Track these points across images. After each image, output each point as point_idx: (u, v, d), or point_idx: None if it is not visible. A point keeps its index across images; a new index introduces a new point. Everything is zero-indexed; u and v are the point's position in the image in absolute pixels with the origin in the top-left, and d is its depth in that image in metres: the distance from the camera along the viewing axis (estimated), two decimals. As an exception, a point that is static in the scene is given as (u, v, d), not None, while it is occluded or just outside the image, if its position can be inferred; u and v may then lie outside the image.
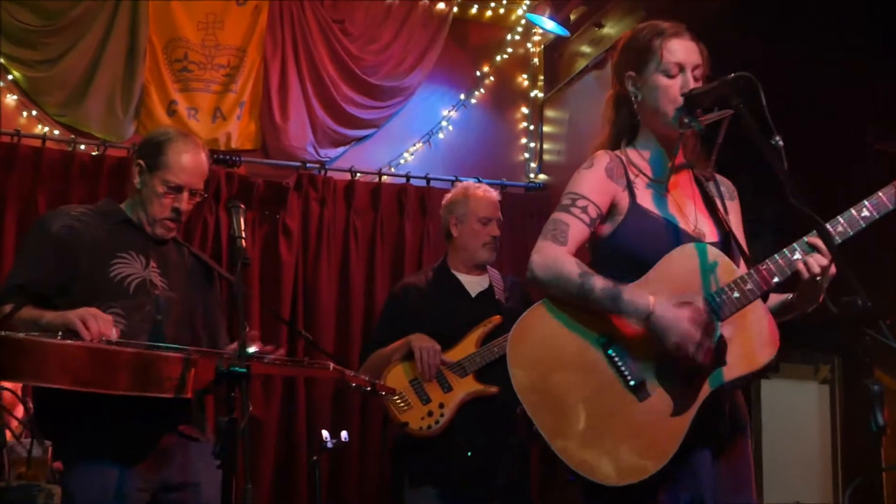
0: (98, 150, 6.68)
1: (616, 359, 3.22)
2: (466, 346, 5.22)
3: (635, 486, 3.14)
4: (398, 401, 5.15)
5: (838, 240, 3.15)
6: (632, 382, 3.20)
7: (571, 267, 3.26)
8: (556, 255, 3.30)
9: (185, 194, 4.10)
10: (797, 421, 7.63)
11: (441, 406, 5.16)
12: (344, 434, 5.37)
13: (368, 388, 4.27)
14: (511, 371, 3.29)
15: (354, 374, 4.24)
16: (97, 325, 3.67)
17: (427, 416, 5.15)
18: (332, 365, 4.04)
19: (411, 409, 5.14)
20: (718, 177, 3.62)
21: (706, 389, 3.16)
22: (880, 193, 3.23)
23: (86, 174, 6.61)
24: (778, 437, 7.48)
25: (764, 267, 3.20)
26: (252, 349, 3.83)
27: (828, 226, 3.14)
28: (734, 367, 3.18)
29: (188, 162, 4.10)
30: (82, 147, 6.69)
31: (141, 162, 4.14)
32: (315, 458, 5.38)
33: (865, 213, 3.20)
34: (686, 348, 3.10)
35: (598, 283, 3.22)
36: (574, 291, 3.24)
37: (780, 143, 2.95)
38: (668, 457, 3.12)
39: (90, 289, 3.95)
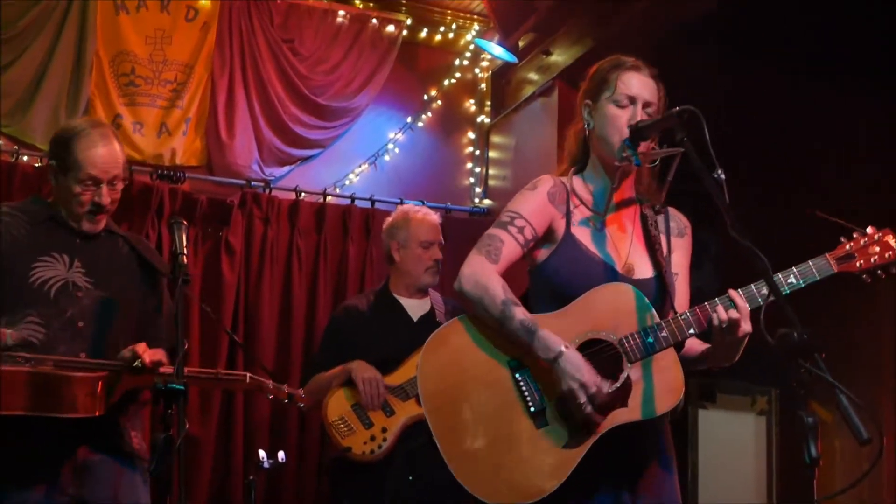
0: (41, 162, 6.61)
1: (522, 383, 3.28)
2: (408, 370, 5.20)
3: None
4: (340, 425, 5.13)
5: (760, 302, 3.20)
6: (532, 409, 3.26)
7: (497, 290, 3.31)
8: (486, 274, 3.36)
9: (105, 188, 3.98)
10: (734, 451, 7.68)
11: (384, 430, 5.14)
12: (281, 454, 5.33)
13: (286, 401, 4.30)
14: (419, 378, 3.37)
15: (275, 386, 4.22)
16: None
17: (370, 440, 5.13)
18: (248, 376, 4.04)
19: (354, 433, 5.12)
20: (672, 211, 3.65)
21: (602, 427, 3.20)
22: (810, 263, 3.29)
23: (28, 185, 6.53)
24: (715, 468, 7.52)
25: (682, 317, 3.26)
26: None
27: (752, 287, 3.23)
28: (634, 411, 3.22)
29: (98, 156, 3.96)
30: (25, 158, 6.62)
31: (53, 164, 4.04)
32: (251, 477, 5.34)
33: (792, 279, 3.26)
34: (578, 398, 3.15)
35: (519, 314, 3.28)
36: (495, 315, 3.29)
37: (723, 176, 2.99)
38: (551, 488, 3.17)
39: (8, 295, 3.87)
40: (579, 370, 3.16)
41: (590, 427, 3.19)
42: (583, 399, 3.14)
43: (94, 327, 3.95)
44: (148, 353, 3.80)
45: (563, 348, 3.19)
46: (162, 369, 3.86)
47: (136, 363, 3.77)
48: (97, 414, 3.72)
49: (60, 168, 4.00)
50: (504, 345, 3.32)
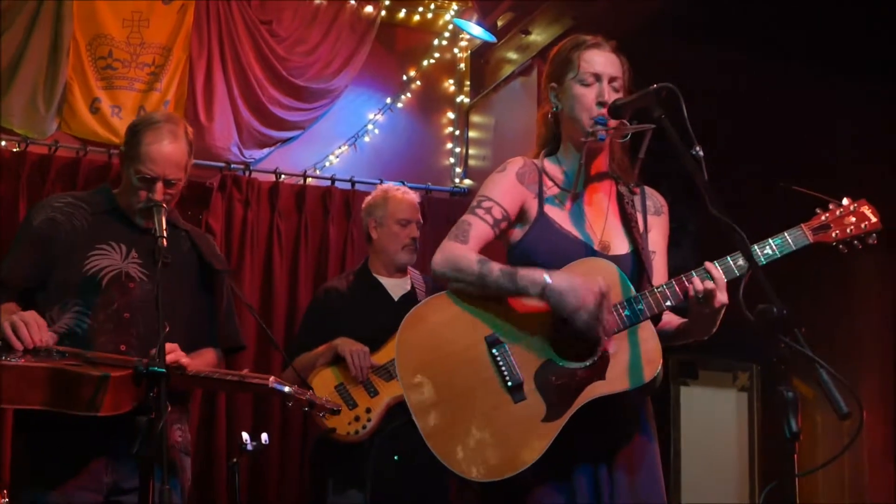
0: (19, 147, 6.59)
1: (498, 358, 3.29)
2: (391, 350, 5.18)
3: (518, 484, 3.20)
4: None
5: (737, 273, 3.22)
6: (509, 383, 3.27)
7: (470, 256, 3.35)
8: (454, 250, 3.38)
9: (160, 185, 3.95)
10: (716, 427, 7.73)
11: (368, 411, 5.14)
12: (264, 436, 5.31)
13: (307, 408, 4.05)
14: (396, 353, 3.41)
15: (295, 390, 4.04)
16: (27, 332, 3.59)
17: (354, 420, 5.13)
18: (271, 379, 3.95)
19: (338, 414, 5.12)
20: (648, 190, 3.66)
21: (580, 400, 3.21)
22: (786, 233, 3.31)
23: (6, 170, 6.51)
24: (697, 443, 7.57)
25: (659, 290, 3.27)
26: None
27: (728, 259, 3.24)
28: (612, 383, 3.23)
29: (157, 153, 3.93)
30: (3, 143, 6.58)
31: (121, 149, 4.07)
32: (234, 460, 5.33)
33: (768, 250, 3.28)
34: (586, 308, 3.15)
35: (496, 266, 3.30)
36: (473, 278, 3.31)
37: (701, 153, 3.00)
38: (529, 462, 3.18)
39: (60, 283, 3.89)
40: (575, 285, 3.18)
41: (606, 334, 3.20)
42: (592, 308, 3.15)
43: (139, 320, 3.93)
44: (173, 354, 3.73)
45: (546, 276, 3.21)
46: (207, 371, 3.88)
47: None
48: (122, 411, 3.64)
49: (126, 156, 4.01)
50: (480, 320, 3.35)
